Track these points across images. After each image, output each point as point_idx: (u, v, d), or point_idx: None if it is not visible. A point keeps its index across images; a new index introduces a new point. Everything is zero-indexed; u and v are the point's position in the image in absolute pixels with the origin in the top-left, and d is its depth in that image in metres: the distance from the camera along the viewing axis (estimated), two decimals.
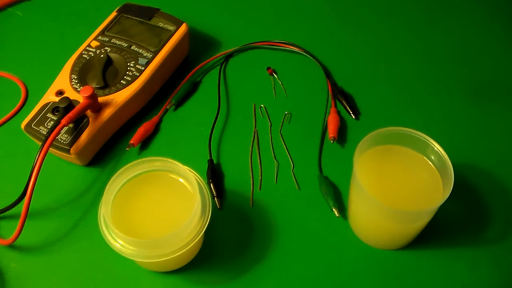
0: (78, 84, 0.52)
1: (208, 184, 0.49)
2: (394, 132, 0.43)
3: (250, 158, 0.51)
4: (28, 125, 0.50)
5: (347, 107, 0.55)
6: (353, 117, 0.54)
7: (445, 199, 0.39)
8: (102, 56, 0.54)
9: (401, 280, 0.44)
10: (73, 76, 0.53)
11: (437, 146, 0.42)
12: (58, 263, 0.45)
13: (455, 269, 0.44)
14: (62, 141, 0.49)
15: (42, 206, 0.49)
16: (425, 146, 0.43)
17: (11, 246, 0.46)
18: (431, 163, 0.43)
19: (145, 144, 0.53)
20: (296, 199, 0.49)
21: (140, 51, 0.54)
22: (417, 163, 0.43)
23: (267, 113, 0.55)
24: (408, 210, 0.40)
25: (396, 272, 0.44)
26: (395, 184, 0.43)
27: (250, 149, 0.52)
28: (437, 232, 0.46)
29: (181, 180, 0.43)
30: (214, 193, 0.48)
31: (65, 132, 0.49)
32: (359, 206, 0.43)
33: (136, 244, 0.39)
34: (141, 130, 0.52)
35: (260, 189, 0.49)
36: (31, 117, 0.50)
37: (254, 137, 0.53)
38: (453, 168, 0.40)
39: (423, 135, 0.43)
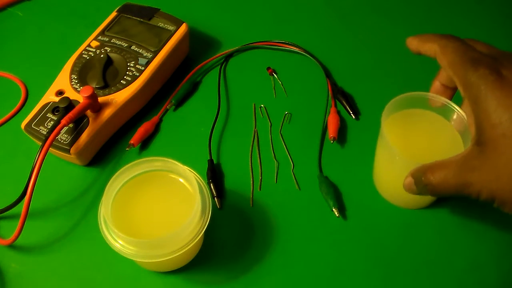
0: (78, 84, 0.52)
1: (208, 184, 0.49)
2: (421, 96, 0.45)
3: (250, 158, 0.51)
4: (28, 125, 0.50)
5: (347, 107, 0.55)
6: (353, 117, 0.54)
7: None
8: (102, 56, 0.54)
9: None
10: (73, 76, 0.53)
11: (457, 108, 0.43)
12: (58, 263, 0.45)
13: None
14: (62, 141, 0.49)
15: (42, 206, 0.49)
16: (445, 110, 0.44)
17: (11, 246, 0.46)
18: (452, 125, 0.45)
19: (145, 144, 0.53)
20: (296, 199, 0.49)
21: (140, 51, 0.54)
22: (440, 126, 0.45)
23: (267, 113, 0.55)
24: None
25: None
26: (419, 146, 0.45)
27: (250, 149, 0.52)
28: None
29: (181, 180, 0.43)
30: (214, 193, 0.48)
31: (65, 132, 0.49)
32: (386, 165, 0.45)
33: (136, 244, 0.39)
34: (141, 130, 0.52)
35: (260, 189, 0.49)
36: (31, 117, 0.50)
37: (254, 137, 0.53)
38: None
39: (444, 98, 0.44)
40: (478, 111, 0.34)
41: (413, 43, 0.41)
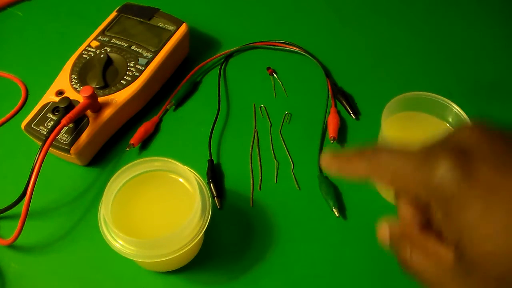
0: (78, 84, 0.52)
1: (208, 184, 0.49)
2: (421, 97, 0.46)
3: (250, 158, 0.51)
4: (28, 125, 0.50)
5: (347, 107, 0.55)
6: (353, 117, 0.54)
7: None
8: (102, 56, 0.54)
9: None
10: (73, 76, 0.53)
11: (457, 108, 0.44)
12: (58, 263, 0.45)
13: None
14: (62, 141, 0.49)
15: (42, 206, 0.49)
16: (445, 110, 0.45)
17: (11, 246, 0.46)
18: (449, 126, 0.46)
19: (145, 144, 0.53)
20: (296, 199, 0.49)
21: (140, 51, 0.54)
22: (439, 127, 0.46)
23: (267, 113, 0.55)
24: None
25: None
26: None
27: (250, 149, 0.52)
28: None
29: (181, 180, 0.43)
30: (214, 193, 0.48)
31: (65, 132, 0.49)
32: None
33: (136, 244, 0.39)
34: (141, 130, 0.52)
35: (260, 189, 0.49)
36: (31, 117, 0.50)
37: (254, 137, 0.53)
38: None
39: (444, 98, 0.45)
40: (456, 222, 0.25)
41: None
